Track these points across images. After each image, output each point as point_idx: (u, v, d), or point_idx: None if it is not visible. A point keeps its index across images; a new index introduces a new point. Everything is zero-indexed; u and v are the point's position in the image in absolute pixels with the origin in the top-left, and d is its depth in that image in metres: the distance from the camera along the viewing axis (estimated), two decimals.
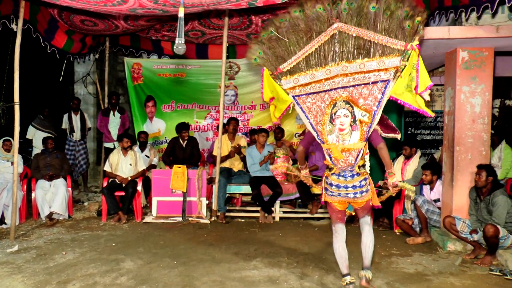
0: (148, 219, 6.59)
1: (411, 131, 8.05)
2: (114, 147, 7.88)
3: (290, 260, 4.69)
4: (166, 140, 8.59)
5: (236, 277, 4.18)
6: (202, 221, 6.51)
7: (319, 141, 3.84)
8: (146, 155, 7.68)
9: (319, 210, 7.00)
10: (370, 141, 3.83)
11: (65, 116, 8.50)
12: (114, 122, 8.37)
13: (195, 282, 4.03)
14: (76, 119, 8.45)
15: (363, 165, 3.85)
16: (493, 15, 5.81)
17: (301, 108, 3.90)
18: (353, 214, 3.99)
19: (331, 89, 3.74)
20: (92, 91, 9.56)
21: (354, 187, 3.75)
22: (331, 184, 3.81)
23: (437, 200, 5.66)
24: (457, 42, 5.02)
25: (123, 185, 6.70)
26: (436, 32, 4.88)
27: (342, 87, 3.70)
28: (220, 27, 7.37)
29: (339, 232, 3.94)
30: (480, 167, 4.86)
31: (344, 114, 3.66)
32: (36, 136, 8.38)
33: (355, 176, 3.74)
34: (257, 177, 6.75)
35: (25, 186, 6.68)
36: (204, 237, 5.68)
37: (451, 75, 5.34)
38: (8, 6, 5.64)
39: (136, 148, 7.56)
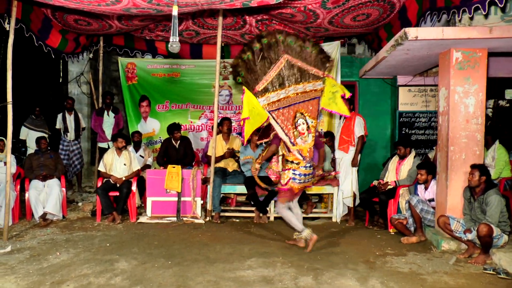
0: (142, 219, 6.57)
1: (405, 131, 8.08)
2: (109, 147, 7.85)
3: (285, 260, 4.68)
4: (161, 140, 8.57)
5: (231, 277, 4.17)
6: (196, 221, 6.50)
7: (290, 144, 5.01)
8: (140, 155, 7.66)
9: (314, 210, 7.03)
10: (315, 144, 5.23)
11: (59, 116, 8.47)
12: (108, 122, 8.34)
13: (190, 282, 4.02)
14: (70, 119, 8.42)
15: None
16: (486, 16, 5.83)
17: (275, 120, 5.01)
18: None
19: (290, 104, 5.01)
20: (86, 90, 9.52)
21: (311, 174, 5.19)
22: (299, 174, 5.07)
23: (431, 200, 5.68)
24: (451, 43, 5.04)
25: (118, 185, 6.67)
26: (430, 32, 4.90)
27: (298, 103, 5.04)
28: (214, 27, 7.37)
29: (291, 206, 5.33)
30: (474, 166, 4.89)
31: (302, 123, 5.03)
32: (29, 136, 8.36)
33: (311, 166, 5.18)
34: (252, 177, 6.72)
35: (18, 187, 6.64)
36: (198, 237, 5.67)
37: (445, 76, 5.37)
38: (2, 6, 5.60)
39: (131, 148, 7.54)
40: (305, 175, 5.09)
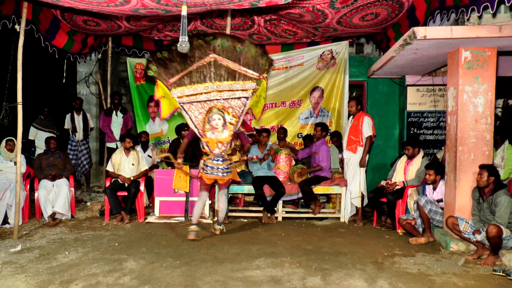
0: (150, 219, 6.60)
1: (413, 131, 8.04)
2: (117, 147, 7.89)
3: (293, 260, 4.68)
4: (169, 140, 8.59)
5: (239, 277, 4.17)
6: (204, 221, 6.50)
7: (199, 135, 5.48)
8: (148, 155, 7.68)
9: (322, 210, 7.02)
10: (240, 140, 5.75)
11: (68, 116, 8.52)
12: (117, 122, 8.39)
13: (198, 282, 4.03)
14: (78, 119, 8.46)
15: (230, 154, 5.82)
16: (494, 15, 5.77)
17: (186, 112, 5.44)
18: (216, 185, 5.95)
19: (208, 100, 5.39)
20: (94, 91, 9.58)
21: (223, 168, 5.51)
22: (207, 166, 5.51)
23: (440, 200, 5.66)
24: (460, 42, 5.01)
25: (126, 185, 6.71)
26: (439, 32, 4.87)
27: (217, 99, 5.41)
28: (222, 27, 7.37)
29: (203, 196, 5.75)
30: (482, 167, 4.86)
31: (218, 118, 5.36)
32: (38, 136, 8.42)
33: (224, 160, 5.51)
34: (260, 177, 6.74)
35: (28, 186, 6.70)
36: (206, 237, 5.68)
37: (454, 75, 5.34)
38: (10, 6, 5.65)
39: (139, 148, 7.57)
40: (212, 167, 5.50)
